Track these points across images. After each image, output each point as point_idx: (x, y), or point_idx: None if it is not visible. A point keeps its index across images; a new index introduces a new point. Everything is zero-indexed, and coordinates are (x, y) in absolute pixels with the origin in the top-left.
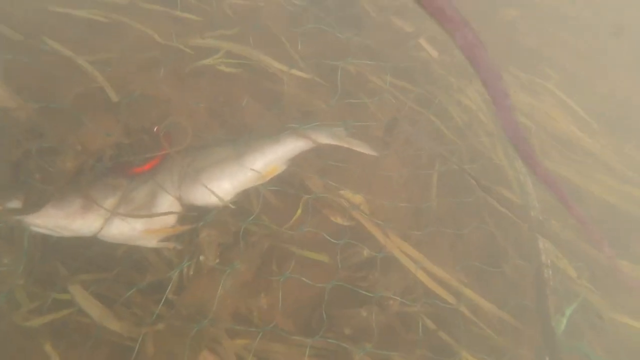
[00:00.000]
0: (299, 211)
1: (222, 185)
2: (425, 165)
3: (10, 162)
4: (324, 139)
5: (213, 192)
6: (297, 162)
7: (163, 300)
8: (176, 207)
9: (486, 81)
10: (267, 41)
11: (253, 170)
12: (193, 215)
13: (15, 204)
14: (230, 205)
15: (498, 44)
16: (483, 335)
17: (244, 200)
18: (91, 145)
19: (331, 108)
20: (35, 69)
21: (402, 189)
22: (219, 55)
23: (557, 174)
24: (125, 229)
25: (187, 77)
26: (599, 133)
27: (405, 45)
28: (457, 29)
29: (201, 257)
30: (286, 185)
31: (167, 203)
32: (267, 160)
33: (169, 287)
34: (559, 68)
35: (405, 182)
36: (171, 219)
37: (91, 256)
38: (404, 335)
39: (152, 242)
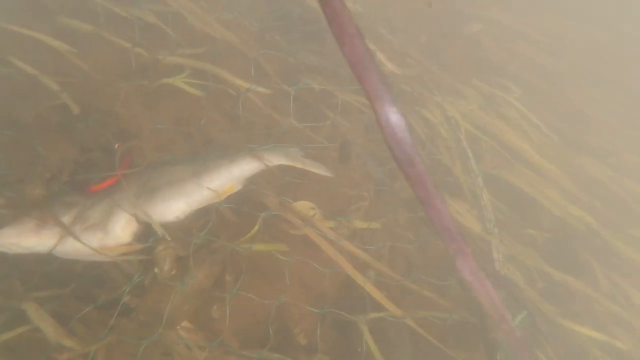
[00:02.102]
0: (255, 228)
1: (178, 204)
2: (381, 183)
3: None
4: (280, 159)
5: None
6: (255, 180)
7: (115, 315)
8: (132, 225)
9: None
10: (229, 61)
11: (209, 189)
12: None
13: None
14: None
15: (461, 58)
16: (431, 347)
17: (203, 216)
18: (49, 163)
19: (292, 127)
20: None
21: (359, 205)
22: (183, 75)
23: (510, 184)
24: (79, 246)
25: (150, 95)
26: (558, 146)
27: None
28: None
29: (155, 270)
30: (244, 203)
31: (123, 220)
32: (223, 180)
33: (120, 303)
34: (521, 82)
35: (361, 198)
36: (126, 236)
37: (49, 272)
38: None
39: (106, 258)
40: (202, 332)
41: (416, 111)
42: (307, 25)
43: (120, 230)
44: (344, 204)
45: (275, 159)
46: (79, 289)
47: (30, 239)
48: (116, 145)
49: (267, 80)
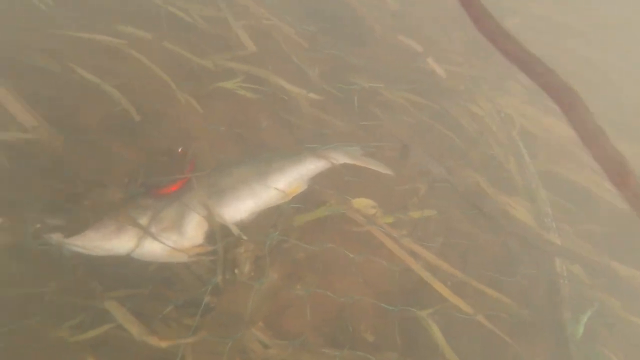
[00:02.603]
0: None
1: (247, 204)
2: (440, 180)
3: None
4: (342, 158)
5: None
6: (315, 180)
7: (199, 313)
8: (203, 226)
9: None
10: (281, 65)
11: (276, 189)
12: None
13: (60, 227)
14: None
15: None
16: (500, 344)
17: (271, 216)
18: (121, 170)
19: (347, 128)
20: (61, 96)
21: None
22: (238, 79)
23: (566, 178)
24: (156, 247)
25: (206, 100)
26: (611, 137)
27: (415, 63)
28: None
29: (236, 271)
30: (307, 203)
31: (195, 222)
32: (289, 180)
33: (203, 303)
34: (566, 74)
35: (421, 196)
36: (199, 237)
37: (125, 274)
38: (426, 341)
39: (182, 259)
40: (273, 331)
41: (464, 107)
42: (350, 28)
43: (193, 232)
44: (401, 200)
45: (338, 158)
46: (154, 289)
47: (111, 242)
48: (179, 149)
49: (315, 82)
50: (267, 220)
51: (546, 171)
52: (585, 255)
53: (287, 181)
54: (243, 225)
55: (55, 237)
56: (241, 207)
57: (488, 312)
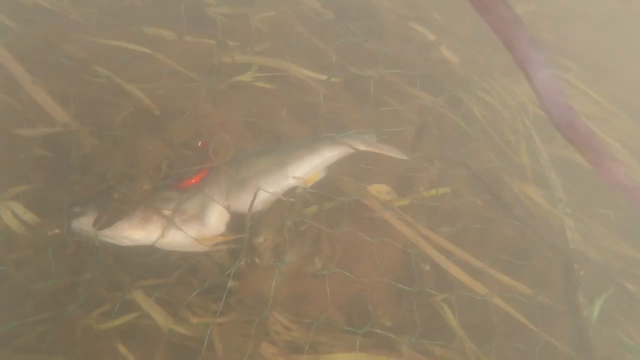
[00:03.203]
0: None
1: (266, 194)
2: (453, 165)
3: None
4: (357, 145)
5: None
6: (332, 167)
7: (224, 297)
8: (225, 216)
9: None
10: (297, 53)
11: (295, 177)
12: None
13: (92, 220)
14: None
15: None
16: (516, 325)
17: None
18: (146, 163)
19: (361, 116)
20: (87, 94)
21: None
22: (253, 70)
23: (580, 164)
24: (179, 238)
25: (225, 93)
26: (625, 122)
27: (428, 52)
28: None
29: (257, 260)
30: (323, 190)
31: (217, 212)
32: (308, 168)
33: (228, 286)
34: (580, 60)
35: (435, 181)
36: (221, 227)
37: (150, 263)
38: (441, 326)
39: (204, 249)
40: (294, 313)
41: (476, 95)
42: (365, 19)
43: (215, 222)
44: (416, 184)
45: (354, 145)
46: (177, 278)
47: (138, 232)
48: (200, 142)
49: (331, 72)
50: (285, 207)
51: (560, 157)
52: (599, 239)
53: (305, 170)
54: (262, 214)
55: (88, 230)
56: (261, 197)
57: (503, 294)
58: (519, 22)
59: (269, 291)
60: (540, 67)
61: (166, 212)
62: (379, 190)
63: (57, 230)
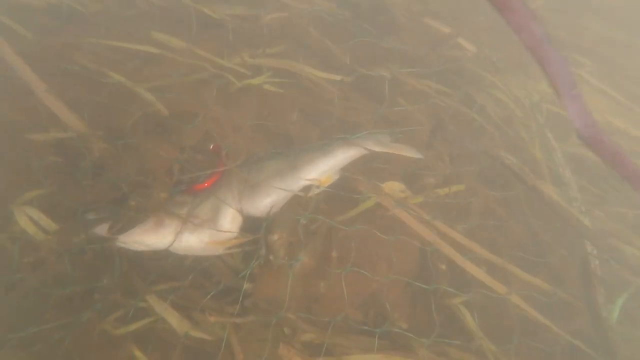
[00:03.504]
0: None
1: (280, 197)
2: (467, 163)
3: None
4: (371, 146)
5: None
6: (346, 168)
7: (241, 298)
8: (238, 219)
9: (553, 77)
10: (309, 54)
11: (308, 181)
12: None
13: (108, 227)
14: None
15: None
16: (535, 324)
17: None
18: (159, 169)
19: (374, 115)
20: (98, 100)
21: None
22: (267, 74)
23: (596, 160)
24: (193, 242)
25: (236, 96)
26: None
27: (441, 47)
28: (524, 24)
29: (271, 257)
30: (337, 188)
31: (230, 216)
32: (321, 171)
33: (243, 288)
34: (592, 55)
35: (449, 178)
36: (235, 230)
37: (164, 268)
38: (459, 326)
39: (218, 252)
40: (310, 313)
41: (489, 93)
42: (377, 15)
43: (228, 225)
44: (431, 182)
45: (368, 146)
46: (192, 282)
47: (152, 237)
48: (211, 146)
49: (344, 72)
50: (299, 206)
51: (575, 154)
52: (617, 238)
53: (318, 173)
54: (276, 213)
55: (104, 236)
56: (275, 200)
57: (521, 292)
58: (548, 41)
59: (284, 292)
60: (572, 87)
61: (179, 217)
62: (393, 187)
63: (73, 236)
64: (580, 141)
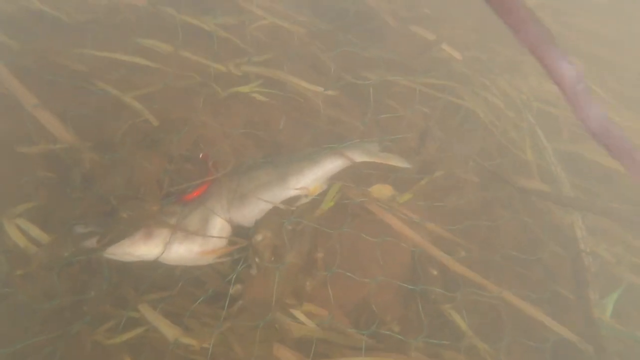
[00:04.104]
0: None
1: (269, 208)
2: (458, 166)
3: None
4: (359, 156)
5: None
6: (335, 177)
7: (227, 303)
8: (227, 229)
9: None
10: (297, 61)
11: (296, 190)
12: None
13: (97, 239)
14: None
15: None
16: (526, 321)
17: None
18: (149, 180)
19: (363, 124)
20: (87, 111)
21: (437, 190)
22: (254, 84)
23: (587, 158)
24: (183, 252)
25: (224, 104)
26: (630, 115)
27: (429, 52)
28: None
29: (256, 259)
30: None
31: (219, 226)
32: (309, 181)
33: (229, 292)
34: (582, 53)
35: (439, 184)
36: (223, 240)
37: (155, 278)
38: (448, 326)
39: (207, 261)
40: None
41: (479, 94)
42: (365, 23)
43: (217, 235)
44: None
45: (356, 156)
46: (182, 290)
47: (141, 248)
48: (200, 155)
49: (331, 81)
50: (285, 211)
51: (567, 152)
52: (609, 235)
53: (307, 182)
54: (261, 217)
55: (93, 248)
56: (263, 210)
57: (513, 290)
58: (550, 36)
59: (272, 294)
60: (578, 81)
61: (168, 227)
62: (382, 190)
63: (62, 248)
64: (590, 136)
